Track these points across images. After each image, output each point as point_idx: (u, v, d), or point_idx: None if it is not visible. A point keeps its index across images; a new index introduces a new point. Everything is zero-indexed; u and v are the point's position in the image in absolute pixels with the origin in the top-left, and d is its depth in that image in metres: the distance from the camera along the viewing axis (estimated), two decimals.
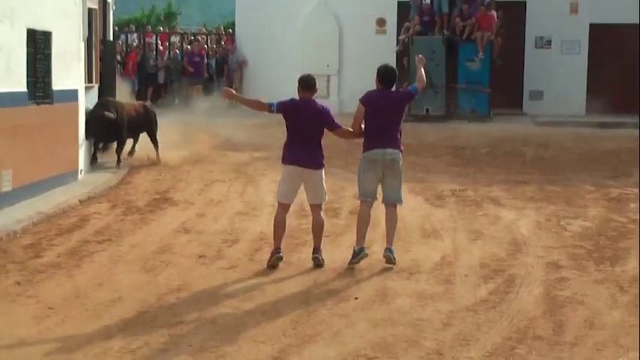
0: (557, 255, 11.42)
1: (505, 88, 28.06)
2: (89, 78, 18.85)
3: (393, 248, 10.93)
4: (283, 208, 10.94)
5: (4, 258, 11.04)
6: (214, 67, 31.69)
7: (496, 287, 10.01)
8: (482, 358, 7.85)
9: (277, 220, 10.91)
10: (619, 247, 11.88)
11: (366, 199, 11.01)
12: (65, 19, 16.26)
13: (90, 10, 18.76)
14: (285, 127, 11.00)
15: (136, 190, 16.10)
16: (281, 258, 10.74)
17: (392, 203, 11.11)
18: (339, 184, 16.05)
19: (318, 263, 10.80)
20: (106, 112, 18.03)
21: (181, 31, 35.71)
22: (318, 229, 11.00)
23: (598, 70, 28.90)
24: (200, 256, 11.30)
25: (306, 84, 10.91)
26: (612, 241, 12.28)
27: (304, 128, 10.79)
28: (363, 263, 10.94)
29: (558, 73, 29.05)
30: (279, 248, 10.79)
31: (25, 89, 14.48)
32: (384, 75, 11.05)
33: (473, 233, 12.68)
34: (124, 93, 23.72)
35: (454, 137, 23.17)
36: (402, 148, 10.99)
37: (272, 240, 10.99)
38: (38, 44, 14.93)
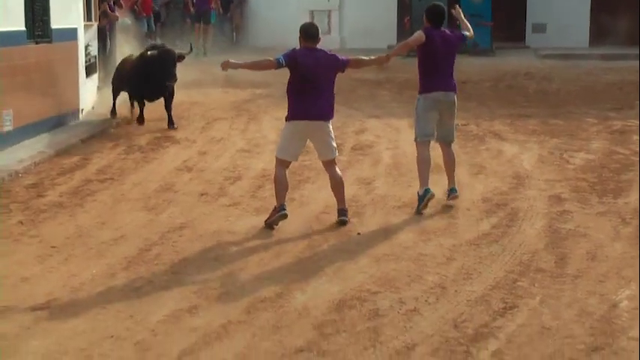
0: (559, 188, 11.40)
1: (508, 22, 27.88)
2: (88, 16, 18.71)
3: (456, 187, 10.82)
4: (284, 165, 10.12)
5: (7, 198, 11.05)
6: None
7: (498, 221, 10.01)
8: (485, 291, 7.85)
9: (278, 178, 10.04)
10: (622, 180, 11.84)
11: (426, 138, 10.77)
12: None
13: None
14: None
15: (137, 129, 16.05)
16: (285, 216, 9.86)
17: (449, 142, 10.98)
18: (341, 120, 15.97)
19: (344, 223, 10.04)
20: (179, 52, 16.28)
21: None
22: (338, 187, 10.20)
23: (601, 1, 28.67)
24: (202, 194, 11.29)
25: (309, 33, 10.11)
26: (615, 173, 12.23)
27: (316, 79, 10.00)
28: (365, 198, 10.95)
29: (561, 5, 28.82)
30: (284, 205, 9.94)
31: (23, 28, 14.37)
32: (434, 13, 10.68)
33: (475, 167, 12.65)
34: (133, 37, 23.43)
35: (456, 72, 22.88)
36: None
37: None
38: None
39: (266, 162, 12.84)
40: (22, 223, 10.02)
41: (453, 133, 10.97)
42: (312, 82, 9.95)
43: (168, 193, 11.34)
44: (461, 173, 12.18)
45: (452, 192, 10.76)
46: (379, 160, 13.20)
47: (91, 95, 18.40)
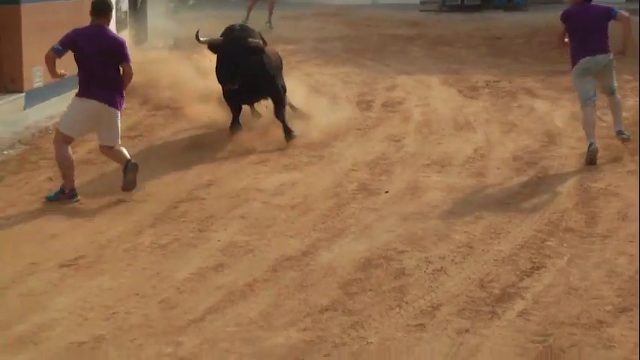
0: None
1: None
2: None
3: (622, 129, 10.97)
4: (67, 142, 9.38)
5: (37, 154, 11.08)
6: None
7: (528, 180, 9.93)
8: (513, 250, 7.80)
9: (64, 156, 9.27)
10: None
11: (589, 100, 10.85)
12: None
13: None
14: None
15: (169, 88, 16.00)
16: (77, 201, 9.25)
17: (611, 92, 11.07)
18: (372, 76, 15.92)
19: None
20: (250, 39, 11.76)
21: None
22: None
23: None
24: (231, 151, 11.25)
25: (97, 8, 9.41)
26: None
27: (94, 61, 9.27)
28: (394, 156, 10.90)
29: None
30: (74, 190, 9.31)
31: None
32: None
33: (506, 125, 12.54)
34: None
35: (489, 27, 22.79)
36: (609, 49, 10.95)
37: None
38: None
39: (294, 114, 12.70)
40: (51, 179, 10.04)
41: (611, 85, 11.06)
42: (91, 67, 9.31)
43: (196, 151, 11.31)
44: (491, 131, 12.11)
45: (619, 134, 10.96)
46: (409, 117, 13.11)
47: None
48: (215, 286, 7.08)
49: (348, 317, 6.53)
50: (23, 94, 13.24)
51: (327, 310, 6.66)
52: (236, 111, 11.93)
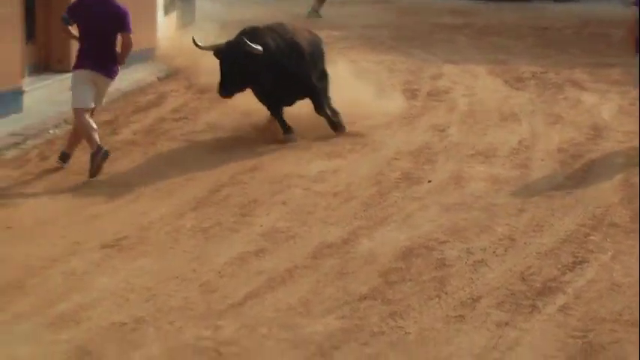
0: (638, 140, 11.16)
1: None
2: None
3: None
4: (86, 113, 9.77)
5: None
6: None
7: (573, 173, 9.85)
8: (555, 244, 7.75)
9: (85, 125, 9.64)
10: None
11: None
12: None
13: None
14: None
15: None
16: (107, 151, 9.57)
17: None
18: (417, 64, 15.86)
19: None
20: (250, 43, 10.60)
21: None
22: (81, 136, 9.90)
23: None
24: (274, 137, 11.25)
25: None
26: None
27: (96, 30, 9.70)
28: (438, 145, 10.85)
29: None
30: (101, 146, 9.52)
31: None
32: None
33: (552, 117, 12.43)
34: None
35: (537, 17, 22.62)
36: None
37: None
38: None
39: (338, 102, 12.65)
40: None
41: None
42: (88, 31, 9.74)
43: (240, 135, 11.32)
44: (537, 122, 12.02)
45: None
46: (454, 106, 13.04)
47: (168, 34, 18.41)
48: (255, 271, 7.10)
49: (387, 306, 6.52)
50: (69, 74, 13.29)
51: (366, 298, 6.66)
52: (277, 114, 11.28)
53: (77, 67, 9.83)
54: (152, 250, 7.55)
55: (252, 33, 10.86)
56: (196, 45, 11.01)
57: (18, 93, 11.16)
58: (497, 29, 19.92)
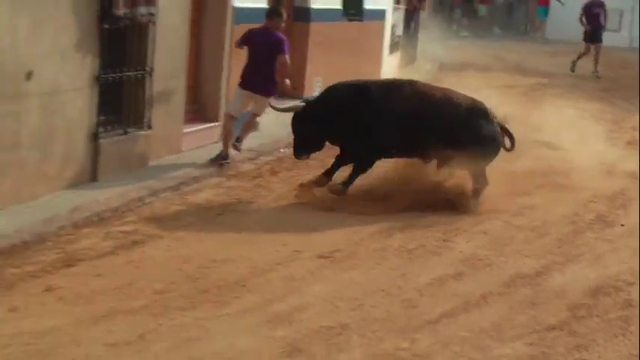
0: None
1: None
2: (397, 0, 18.92)
3: None
4: (232, 119, 10.75)
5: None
6: None
7: None
8: None
9: (227, 130, 10.75)
10: None
11: None
12: None
13: None
14: None
15: None
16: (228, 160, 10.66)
17: None
18: (620, 114, 15.38)
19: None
20: (280, 107, 10.14)
21: None
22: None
23: None
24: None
25: (267, 14, 10.77)
26: None
27: (259, 54, 10.46)
28: (632, 192, 10.44)
29: None
30: (227, 155, 10.67)
31: (339, 6, 14.71)
32: None
33: None
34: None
35: None
36: None
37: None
38: None
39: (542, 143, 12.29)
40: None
41: None
42: (252, 55, 10.56)
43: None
44: None
45: None
46: None
47: (391, 71, 18.59)
48: (453, 292, 7.04)
49: (573, 338, 6.33)
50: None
51: (554, 328, 6.48)
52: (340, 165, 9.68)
53: (239, 84, 10.63)
54: (361, 264, 7.61)
55: (336, 88, 9.80)
56: (274, 108, 10.19)
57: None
58: None
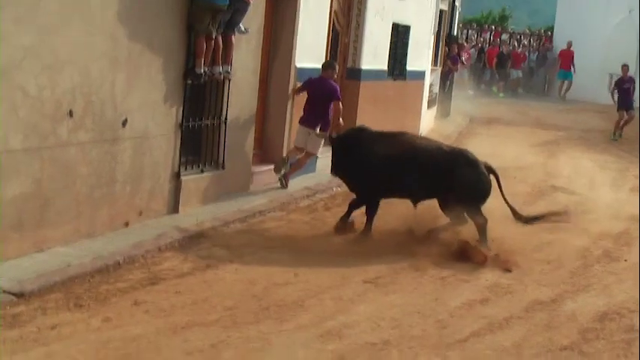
0: None
1: None
2: (435, 62, 18.92)
3: None
4: (297, 150, 11.17)
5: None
6: (535, 61, 30.82)
7: None
8: None
9: (293, 158, 11.15)
10: None
11: None
12: (422, 16, 16.37)
13: (441, 11, 18.80)
14: None
15: None
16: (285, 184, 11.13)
17: None
18: (624, 164, 15.16)
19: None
20: (318, 133, 10.79)
21: (511, 31, 34.85)
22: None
23: None
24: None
25: (322, 66, 11.11)
26: None
27: (316, 99, 10.84)
28: (635, 231, 10.25)
29: None
30: (287, 179, 11.08)
31: (385, 67, 14.76)
32: None
33: None
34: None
35: None
36: None
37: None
38: (400, 35, 15.16)
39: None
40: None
41: None
42: (310, 99, 10.94)
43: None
44: None
45: None
46: None
47: (428, 123, 18.57)
48: (479, 315, 6.96)
49: (583, 358, 6.23)
50: None
51: (566, 349, 6.39)
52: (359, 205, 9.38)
53: (300, 122, 11.01)
54: (400, 289, 7.56)
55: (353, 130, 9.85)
56: (315, 135, 10.79)
57: (314, 158, 11.57)
58: None
